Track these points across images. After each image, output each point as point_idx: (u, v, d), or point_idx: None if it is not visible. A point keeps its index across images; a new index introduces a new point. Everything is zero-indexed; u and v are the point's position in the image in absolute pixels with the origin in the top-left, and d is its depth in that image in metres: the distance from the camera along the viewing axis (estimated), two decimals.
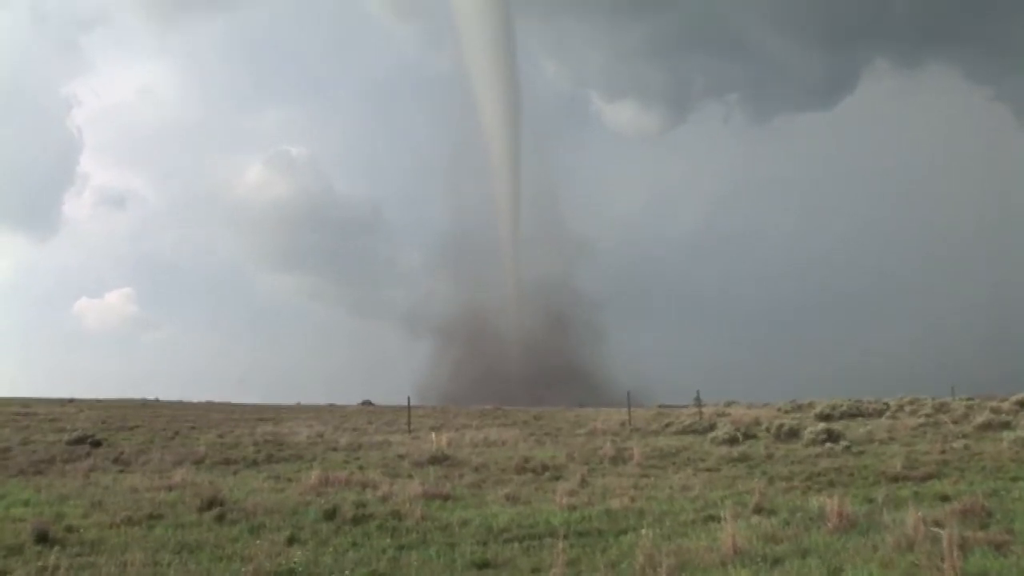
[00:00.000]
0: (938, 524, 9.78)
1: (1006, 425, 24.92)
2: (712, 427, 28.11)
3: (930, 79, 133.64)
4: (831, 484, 15.17)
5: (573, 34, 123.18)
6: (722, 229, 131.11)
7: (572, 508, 13.17)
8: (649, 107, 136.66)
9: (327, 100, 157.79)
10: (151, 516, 12.81)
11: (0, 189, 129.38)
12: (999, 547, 9.13)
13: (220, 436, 28.86)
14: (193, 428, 32.71)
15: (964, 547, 8.82)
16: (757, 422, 29.00)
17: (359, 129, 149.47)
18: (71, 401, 48.74)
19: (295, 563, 9.70)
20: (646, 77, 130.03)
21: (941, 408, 33.97)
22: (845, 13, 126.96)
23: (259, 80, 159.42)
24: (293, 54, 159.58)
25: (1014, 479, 15.00)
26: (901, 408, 35.42)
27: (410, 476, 17.24)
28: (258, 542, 10.80)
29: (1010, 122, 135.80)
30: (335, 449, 24.47)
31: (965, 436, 23.10)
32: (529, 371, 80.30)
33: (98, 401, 49.58)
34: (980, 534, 9.66)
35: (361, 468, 19.13)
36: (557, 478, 17.23)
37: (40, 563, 9.53)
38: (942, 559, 8.29)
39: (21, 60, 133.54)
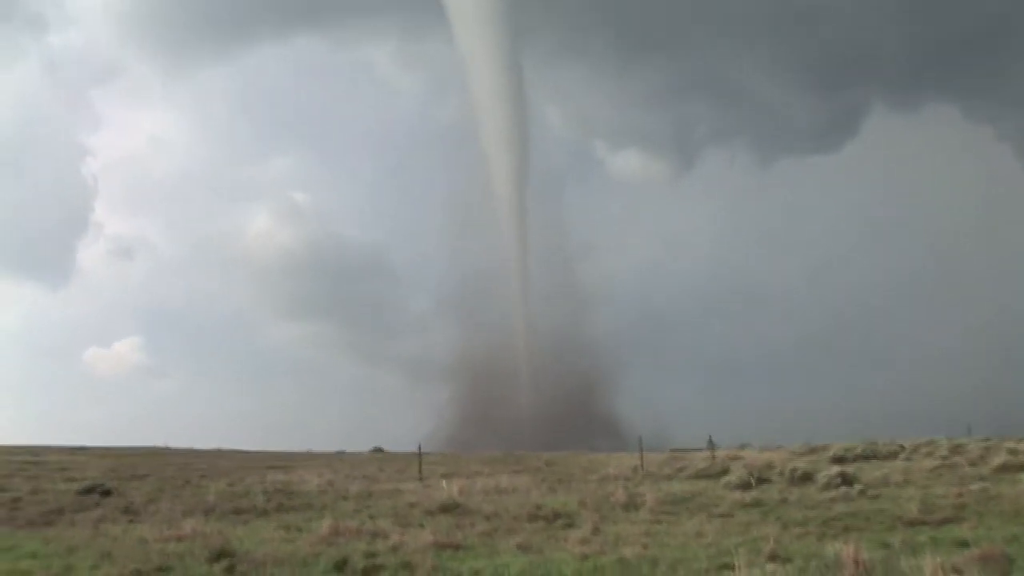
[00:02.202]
0: (957, 571, 9.65)
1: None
2: (725, 471, 27.82)
3: (930, 121, 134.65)
4: (846, 529, 14.98)
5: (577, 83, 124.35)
6: (732, 274, 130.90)
7: (584, 557, 13.02)
8: (654, 155, 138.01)
9: (333, 148, 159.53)
10: (160, 568, 12.71)
11: (15, 238, 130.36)
12: None
13: (230, 484, 28.70)
14: (203, 476, 32.55)
15: None
16: (770, 466, 28.68)
17: (367, 177, 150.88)
18: (81, 449, 48.67)
19: None
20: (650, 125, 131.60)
21: (957, 449, 33.61)
22: (843, 56, 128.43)
23: (266, 129, 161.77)
24: (299, 103, 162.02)
25: None
26: (916, 450, 35.05)
27: (421, 525, 17.10)
28: None
29: (1011, 161, 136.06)
30: (346, 498, 24.29)
31: (982, 478, 22.82)
32: (541, 417, 79.85)
33: (108, 449, 49.42)
34: None
35: (372, 517, 18.98)
36: (569, 525, 17.06)
37: None
38: None
39: (37, 111, 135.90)
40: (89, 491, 24.86)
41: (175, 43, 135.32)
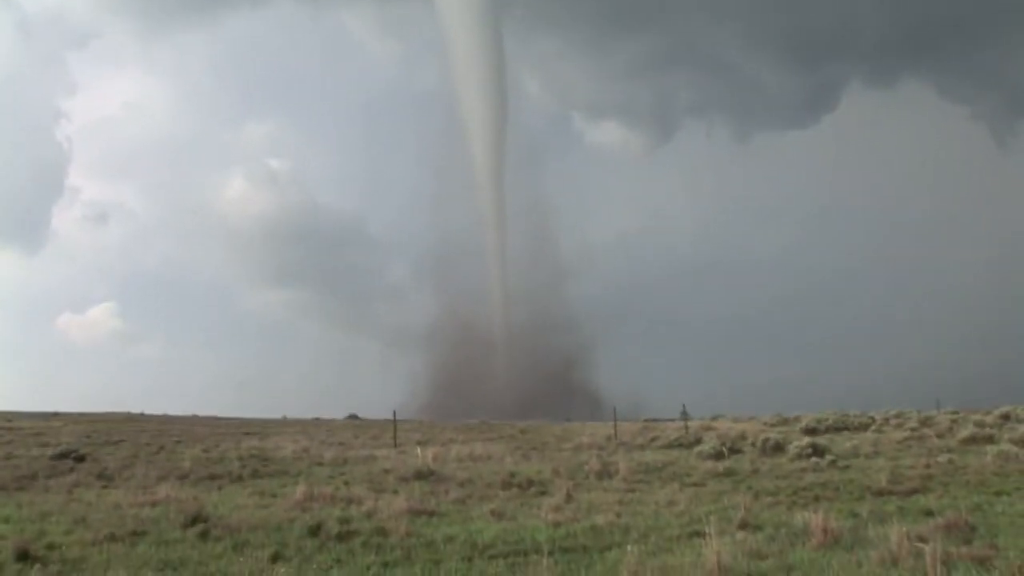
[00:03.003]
0: (922, 539, 9.80)
1: (990, 439, 25.07)
2: (698, 441, 28.13)
3: (906, 99, 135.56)
4: (816, 499, 15.21)
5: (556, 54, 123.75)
6: (708, 246, 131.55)
7: (557, 524, 13.14)
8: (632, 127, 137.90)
9: (310, 115, 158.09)
10: (134, 533, 12.68)
11: None
12: (982, 562, 9.16)
13: (205, 451, 28.66)
14: (178, 442, 32.46)
15: (948, 563, 8.86)
16: (743, 436, 29.03)
17: (344, 144, 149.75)
18: (55, 415, 48.31)
19: None
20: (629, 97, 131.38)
21: (926, 422, 34.13)
22: (821, 33, 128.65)
23: (243, 94, 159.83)
24: (276, 69, 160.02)
25: (997, 493, 15.10)
26: (887, 422, 35.56)
27: (395, 491, 17.17)
28: (242, 559, 10.71)
29: (987, 140, 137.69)
30: (320, 464, 24.35)
31: (950, 450, 23.21)
32: (517, 385, 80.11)
33: (82, 415, 49.09)
34: (964, 549, 9.69)
35: (346, 483, 19.05)
36: (543, 493, 17.20)
37: None
38: (926, 575, 8.32)
39: (9, 74, 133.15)
40: (63, 456, 24.73)
41: (152, 7, 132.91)
